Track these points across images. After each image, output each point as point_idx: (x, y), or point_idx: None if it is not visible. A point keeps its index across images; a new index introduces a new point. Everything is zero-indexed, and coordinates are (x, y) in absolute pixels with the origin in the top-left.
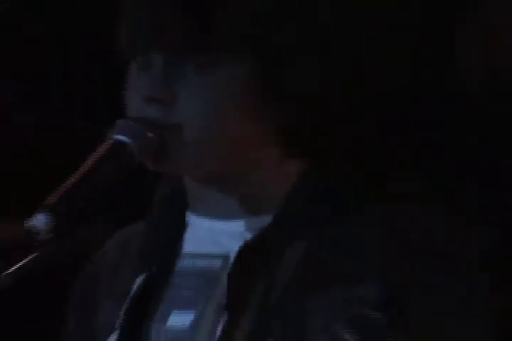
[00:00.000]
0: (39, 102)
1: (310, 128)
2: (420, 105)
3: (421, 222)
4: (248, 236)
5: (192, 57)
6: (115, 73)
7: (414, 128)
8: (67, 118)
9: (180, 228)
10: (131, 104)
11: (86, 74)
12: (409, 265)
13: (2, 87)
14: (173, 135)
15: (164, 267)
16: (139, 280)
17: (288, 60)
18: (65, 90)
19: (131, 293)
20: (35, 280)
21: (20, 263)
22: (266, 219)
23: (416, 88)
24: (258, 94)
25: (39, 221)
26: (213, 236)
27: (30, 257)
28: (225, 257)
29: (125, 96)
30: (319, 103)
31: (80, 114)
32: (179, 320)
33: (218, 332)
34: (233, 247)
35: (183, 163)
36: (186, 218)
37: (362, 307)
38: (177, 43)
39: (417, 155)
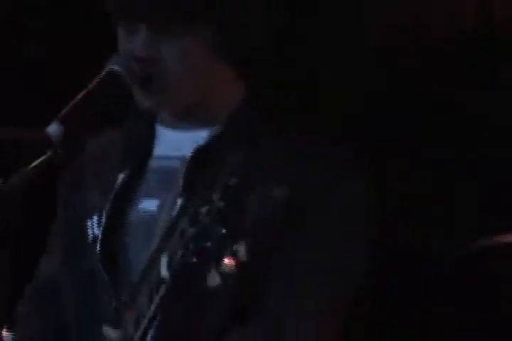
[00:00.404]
0: None
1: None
2: None
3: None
4: (201, 143)
5: (166, 26)
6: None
7: None
8: None
9: (150, 136)
10: (123, 61)
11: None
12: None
13: None
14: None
15: (139, 166)
16: (121, 176)
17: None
18: None
19: (116, 185)
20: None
21: (39, 160)
22: (216, 131)
23: None
24: (214, 52)
25: (53, 128)
26: (174, 142)
27: (45, 155)
28: (182, 158)
29: (119, 48)
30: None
31: None
32: (148, 205)
33: (175, 213)
34: (189, 150)
35: (163, 100)
36: (155, 129)
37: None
38: (155, 17)
39: None
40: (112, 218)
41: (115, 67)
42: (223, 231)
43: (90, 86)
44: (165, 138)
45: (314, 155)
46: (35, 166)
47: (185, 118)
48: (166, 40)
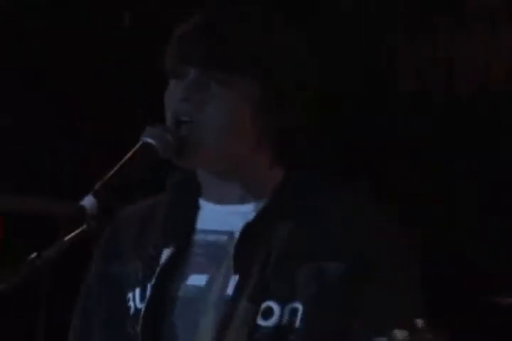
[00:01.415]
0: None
1: (294, 143)
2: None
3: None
4: (249, 216)
5: (213, 73)
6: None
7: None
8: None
9: (194, 210)
10: (169, 105)
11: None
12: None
13: None
14: (189, 138)
15: (184, 240)
16: (166, 251)
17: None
18: None
19: (162, 260)
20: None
21: (74, 233)
22: (260, 205)
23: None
24: (258, 110)
25: (87, 201)
26: (219, 217)
27: (80, 228)
28: (230, 233)
29: (166, 100)
30: (302, 129)
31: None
32: (197, 280)
33: (228, 292)
34: (235, 225)
35: (199, 160)
36: (198, 202)
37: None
38: (202, 61)
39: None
40: (158, 293)
41: (149, 140)
42: None
43: (124, 158)
44: (209, 212)
45: (364, 228)
46: (69, 239)
47: (226, 187)
48: (213, 86)
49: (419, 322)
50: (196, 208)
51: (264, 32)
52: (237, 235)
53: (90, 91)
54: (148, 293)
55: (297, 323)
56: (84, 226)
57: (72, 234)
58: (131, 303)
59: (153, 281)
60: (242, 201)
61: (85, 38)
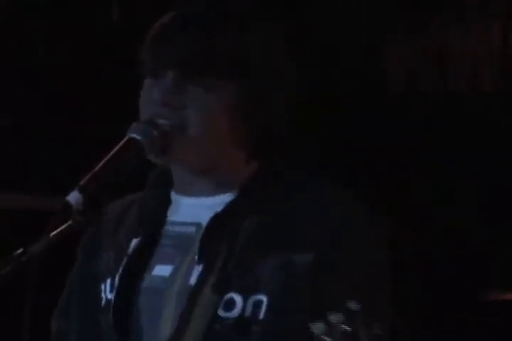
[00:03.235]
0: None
1: (272, 140)
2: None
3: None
4: (218, 209)
5: (190, 76)
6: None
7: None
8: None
9: (165, 202)
10: (146, 107)
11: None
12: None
13: None
14: (174, 134)
15: (153, 232)
16: (134, 241)
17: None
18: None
19: (129, 250)
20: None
21: (60, 228)
22: (229, 197)
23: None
24: (236, 112)
25: (73, 197)
26: (189, 209)
27: (66, 224)
28: (198, 224)
29: (141, 100)
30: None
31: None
32: (162, 270)
33: (190, 282)
34: (203, 217)
35: (181, 157)
36: (170, 195)
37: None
38: (184, 65)
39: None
40: (125, 283)
41: (135, 136)
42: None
43: (110, 154)
44: (179, 205)
45: (332, 218)
46: (55, 235)
47: (199, 182)
48: (190, 89)
49: (353, 305)
50: (167, 201)
51: (241, 32)
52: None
53: (90, 91)
54: (116, 283)
55: (261, 315)
56: (70, 221)
57: (58, 229)
58: (102, 294)
59: (119, 271)
60: (212, 193)
61: (85, 37)
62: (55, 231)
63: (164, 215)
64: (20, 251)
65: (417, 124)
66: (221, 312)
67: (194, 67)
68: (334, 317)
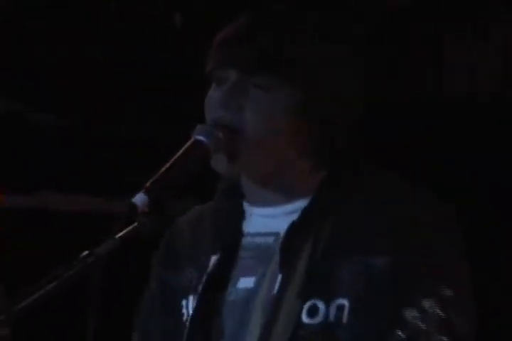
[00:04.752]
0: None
1: (338, 147)
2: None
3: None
4: (294, 216)
5: (252, 77)
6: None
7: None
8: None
9: (238, 214)
10: (208, 110)
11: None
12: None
13: None
14: (240, 138)
15: (231, 245)
16: (214, 258)
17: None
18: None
19: (209, 268)
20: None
21: (126, 230)
22: (302, 204)
23: None
24: (298, 116)
25: (138, 198)
26: (264, 219)
27: (132, 226)
28: (276, 234)
29: (205, 104)
30: (340, 132)
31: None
32: (245, 283)
33: (274, 291)
34: (280, 226)
35: (246, 164)
36: (242, 206)
37: (373, 271)
38: (246, 63)
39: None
40: (205, 300)
41: (200, 138)
42: None
43: (175, 156)
44: (253, 216)
45: (408, 221)
46: (121, 236)
47: (269, 191)
48: (252, 91)
49: (447, 291)
50: (241, 213)
51: (307, 36)
52: (282, 235)
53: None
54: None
55: (344, 319)
56: (136, 223)
57: (124, 231)
58: (184, 310)
59: (200, 287)
60: (285, 202)
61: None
62: (121, 233)
63: (240, 227)
64: (86, 252)
65: None
66: (305, 319)
67: (257, 68)
68: (427, 303)
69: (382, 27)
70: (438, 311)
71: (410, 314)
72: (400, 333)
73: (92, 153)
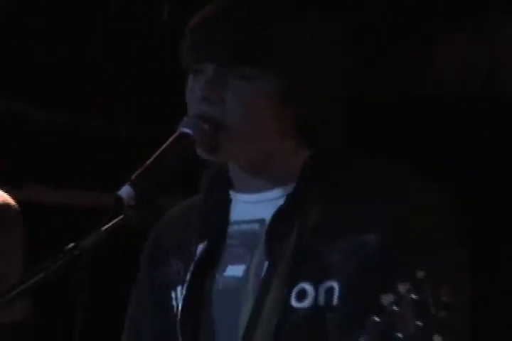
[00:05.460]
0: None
1: (317, 127)
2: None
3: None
4: (279, 202)
5: (231, 69)
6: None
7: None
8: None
9: (225, 203)
10: (189, 104)
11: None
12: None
13: None
14: (224, 128)
15: (218, 233)
16: (200, 247)
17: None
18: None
19: (197, 255)
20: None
21: (112, 222)
22: (288, 189)
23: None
24: (281, 102)
25: (124, 191)
26: (250, 206)
27: (118, 218)
28: (261, 220)
29: (187, 97)
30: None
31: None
32: (234, 270)
33: (261, 277)
34: (266, 212)
35: (232, 153)
36: (229, 194)
37: (365, 250)
38: (223, 57)
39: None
40: (194, 288)
41: (185, 130)
42: None
43: (161, 148)
44: (240, 203)
45: (397, 198)
46: (107, 229)
47: (256, 177)
48: (231, 82)
49: (420, 273)
50: (227, 201)
51: (284, 23)
52: (268, 222)
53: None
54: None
55: (335, 301)
56: (122, 216)
57: (110, 223)
58: (174, 302)
59: (188, 276)
60: (271, 188)
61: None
62: (107, 226)
63: (227, 215)
64: (71, 245)
65: None
66: (294, 303)
67: (234, 60)
68: (402, 287)
69: (382, 27)
70: (412, 295)
71: (387, 299)
72: (376, 318)
73: (92, 152)
